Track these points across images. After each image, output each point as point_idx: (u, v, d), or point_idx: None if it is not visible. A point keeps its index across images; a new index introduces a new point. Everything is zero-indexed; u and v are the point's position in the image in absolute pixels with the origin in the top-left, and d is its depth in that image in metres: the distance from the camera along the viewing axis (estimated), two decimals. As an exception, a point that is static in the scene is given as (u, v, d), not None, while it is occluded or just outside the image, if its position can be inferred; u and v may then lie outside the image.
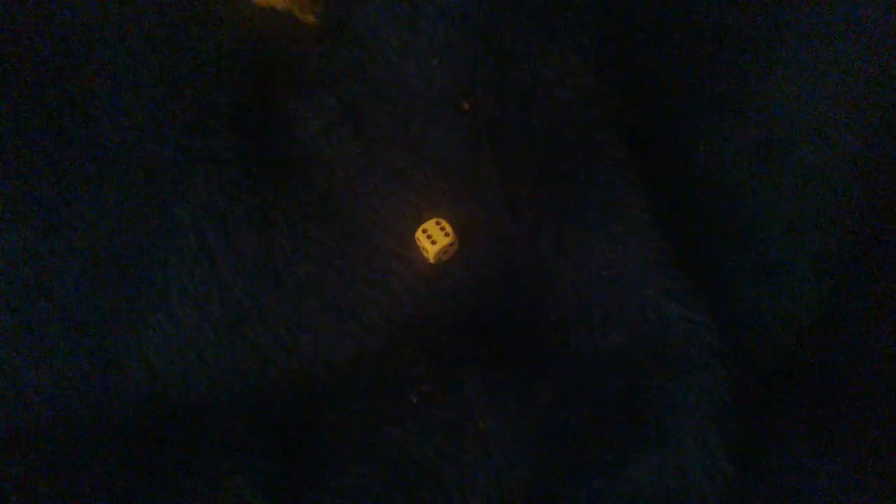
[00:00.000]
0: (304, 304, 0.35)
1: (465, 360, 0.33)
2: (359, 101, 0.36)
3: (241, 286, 0.34)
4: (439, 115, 0.34)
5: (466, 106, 0.33)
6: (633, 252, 0.29)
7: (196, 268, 0.34)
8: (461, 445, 0.31)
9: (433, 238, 0.34)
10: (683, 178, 0.32)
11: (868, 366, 0.29)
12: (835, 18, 0.33)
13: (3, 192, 0.34)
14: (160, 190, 0.34)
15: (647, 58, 0.33)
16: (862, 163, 0.30)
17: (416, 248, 0.35)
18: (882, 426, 0.29)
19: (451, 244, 0.35)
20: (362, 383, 0.33)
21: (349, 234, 0.36)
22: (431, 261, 0.35)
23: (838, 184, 0.30)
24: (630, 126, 0.31)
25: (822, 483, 0.29)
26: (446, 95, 0.34)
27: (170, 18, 0.38)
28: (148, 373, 0.33)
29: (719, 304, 0.29)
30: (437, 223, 0.35)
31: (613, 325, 0.28)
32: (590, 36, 0.32)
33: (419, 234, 0.35)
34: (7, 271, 0.33)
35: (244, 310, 0.34)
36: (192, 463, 0.30)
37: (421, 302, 0.36)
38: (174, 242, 0.34)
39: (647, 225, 0.29)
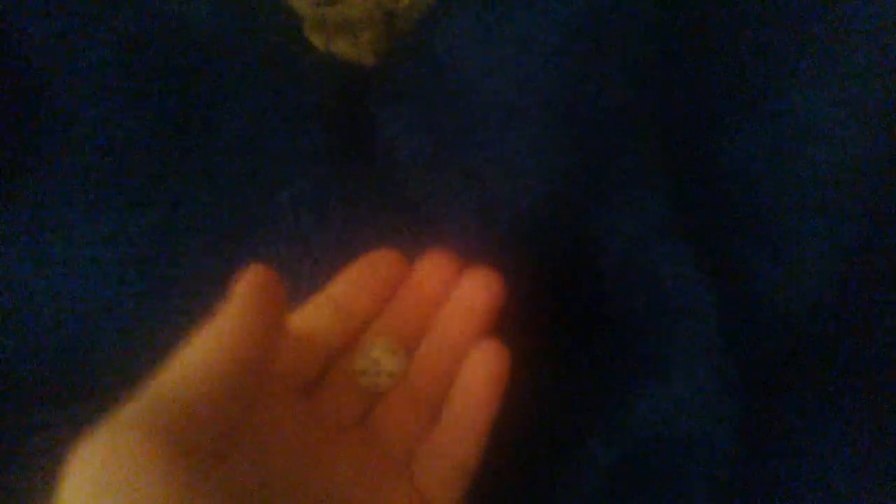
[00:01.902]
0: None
1: (521, 325, 0.37)
2: (434, 109, 0.42)
3: (328, 264, 0.40)
4: (507, 123, 0.40)
5: None
6: (648, 229, 0.33)
7: (292, 246, 0.40)
8: (517, 392, 0.35)
9: (369, 368, 0.32)
10: (707, 173, 0.36)
11: (876, 343, 0.33)
12: (854, 40, 0.37)
13: (138, 179, 0.41)
14: (266, 179, 0.40)
15: (681, 70, 0.38)
16: (867, 163, 0.35)
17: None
18: (890, 401, 0.32)
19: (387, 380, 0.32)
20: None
21: (421, 224, 0.42)
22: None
23: (846, 181, 0.35)
24: (662, 125, 0.36)
25: (829, 451, 0.32)
26: (514, 106, 0.39)
27: (272, 39, 0.45)
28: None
29: (738, 281, 0.33)
30: (393, 352, 0.33)
31: (635, 287, 0.33)
32: (632, 55, 0.37)
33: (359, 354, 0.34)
34: (140, 244, 0.40)
35: (330, 281, 0.39)
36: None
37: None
38: (275, 224, 0.40)
39: (661, 206, 0.33)
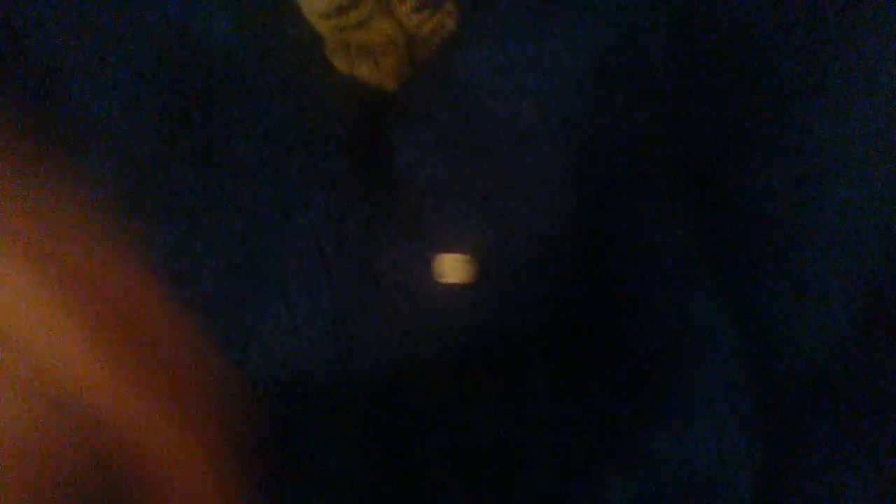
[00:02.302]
0: (397, 305, 0.40)
1: (535, 359, 0.37)
2: (451, 133, 0.42)
3: (346, 286, 0.40)
4: (524, 150, 0.40)
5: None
6: (669, 262, 0.33)
7: (311, 268, 0.40)
8: (532, 432, 0.35)
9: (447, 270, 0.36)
10: (730, 207, 0.36)
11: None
12: (880, 71, 0.37)
13: (158, 198, 0.41)
14: (286, 202, 0.40)
15: (703, 103, 0.38)
16: (893, 199, 0.34)
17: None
18: None
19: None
20: (445, 372, 0.38)
21: (437, 249, 0.41)
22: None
23: (871, 217, 0.34)
24: (682, 159, 0.36)
25: (847, 492, 0.32)
26: (531, 133, 0.39)
27: (295, 61, 0.45)
28: (265, 353, 0.39)
29: (760, 319, 0.33)
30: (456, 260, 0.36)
31: (656, 323, 0.32)
32: (652, 87, 0.37)
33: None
34: (158, 264, 0.40)
35: (348, 306, 0.39)
36: (302, 429, 0.36)
37: (497, 310, 0.40)
38: (295, 246, 0.40)
39: (682, 240, 0.33)
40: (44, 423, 0.18)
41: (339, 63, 0.47)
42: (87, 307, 0.20)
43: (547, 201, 0.41)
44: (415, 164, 0.43)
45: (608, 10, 0.39)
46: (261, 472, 0.36)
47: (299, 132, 0.43)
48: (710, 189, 0.37)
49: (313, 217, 0.40)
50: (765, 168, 0.37)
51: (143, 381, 0.21)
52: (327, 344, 0.39)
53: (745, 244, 0.36)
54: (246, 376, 0.39)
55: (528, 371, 0.37)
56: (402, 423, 0.36)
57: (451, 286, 0.40)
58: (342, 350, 0.39)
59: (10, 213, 0.21)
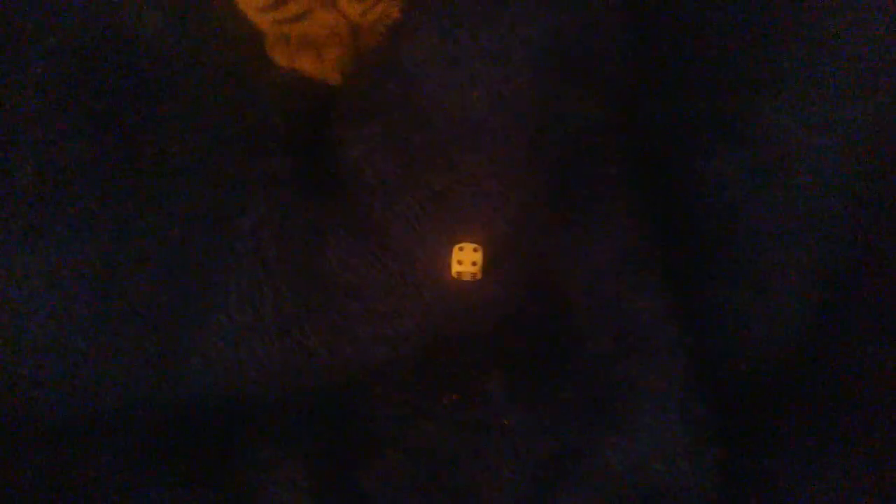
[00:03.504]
0: (346, 309, 0.37)
1: (490, 365, 0.36)
2: (401, 127, 0.40)
3: (291, 291, 0.37)
4: (476, 142, 0.37)
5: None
6: (616, 256, 0.31)
7: (252, 274, 0.37)
8: (487, 441, 0.33)
9: (462, 260, 0.37)
10: (684, 196, 0.34)
11: (861, 374, 0.31)
12: (832, 60, 0.36)
13: (82, 205, 0.37)
14: (224, 204, 0.37)
15: (654, 87, 0.37)
16: (850, 186, 0.33)
17: (447, 260, 0.38)
18: (877, 432, 0.31)
19: (473, 275, 0.37)
20: (397, 383, 0.36)
21: (388, 248, 0.39)
22: (451, 275, 0.37)
23: (827, 204, 0.33)
24: (634, 147, 0.34)
25: (817, 485, 0.31)
26: (483, 124, 0.37)
27: (231, 56, 0.42)
28: (206, 366, 0.36)
29: (714, 313, 0.31)
30: (475, 250, 0.37)
31: (601, 323, 0.31)
32: (604, 74, 0.36)
33: (455, 248, 0.37)
34: (86, 274, 0.36)
35: (293, 313, 0.37)
36: (246, 450, 0.33)
37: (450, 314, 0.38)
38: (234, 251, 0.37)
39: (630, 231, 0.31)
40: None
41: (279, 57, 0.44)
42: None
43: (498, 196, 0.39)
44: (363, 161, 0.41)
45: None
46: (203, 495, 0.33)
47: (236, 130, 0.40)
48: (663, 179, 0.36)
49: (253, 220, 0.38)
50: (720, 155, 0.35)
51: None
52: (272, 356, 0.37)
53: (699, 236, 0.34)
54: (185, 393, 0.36)
55: (486, 379, 0.35)
56: (354, 439, 0.34)
57: (403, 288, 0.37)
58: (288, 362, 0.37)
59: None
